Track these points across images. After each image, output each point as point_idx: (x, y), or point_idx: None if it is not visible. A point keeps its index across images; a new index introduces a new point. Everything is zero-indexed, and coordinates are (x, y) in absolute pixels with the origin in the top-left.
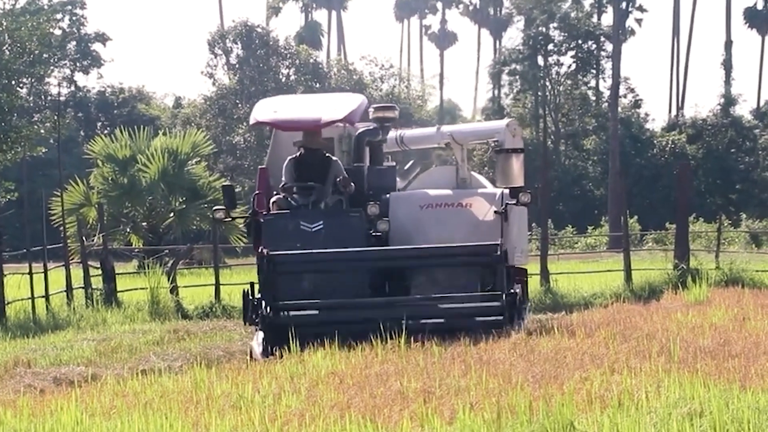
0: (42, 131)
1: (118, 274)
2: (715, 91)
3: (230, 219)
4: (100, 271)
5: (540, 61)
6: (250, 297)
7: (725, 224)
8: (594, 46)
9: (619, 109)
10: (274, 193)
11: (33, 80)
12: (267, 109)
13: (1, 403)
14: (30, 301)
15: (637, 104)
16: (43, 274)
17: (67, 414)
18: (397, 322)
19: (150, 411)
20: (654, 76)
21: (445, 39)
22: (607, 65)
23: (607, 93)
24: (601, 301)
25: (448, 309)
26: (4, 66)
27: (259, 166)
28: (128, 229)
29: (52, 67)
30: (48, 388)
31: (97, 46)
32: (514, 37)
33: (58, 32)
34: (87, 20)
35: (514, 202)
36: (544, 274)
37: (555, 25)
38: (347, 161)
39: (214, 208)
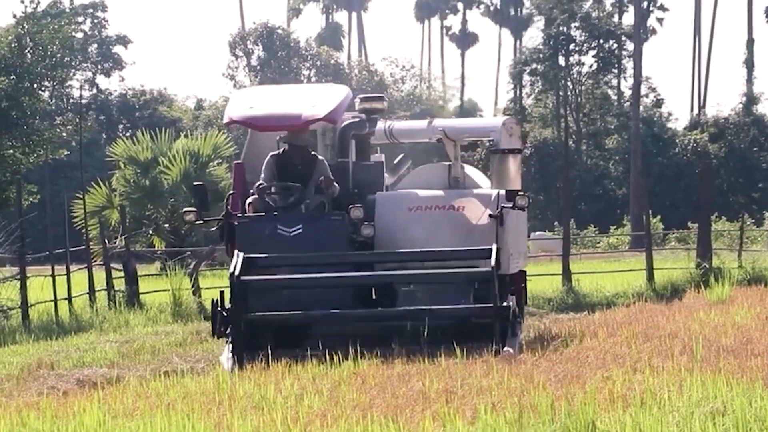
0: (64, 134)
1: (140, 276)
2: (737, 89)
3: (201, 222)
4: (122, 273)
5: (561, 60)
6: (219, 308)
7: (748, 223)
8: (615, 45)
9: (641, 108)
10: (251, 192)
11: (55, 83)
12: (241, 105)
13: (24, 405)
14: (53, 303)
15: (658, 103)
16: (65, 277)
17: (89, 415)
18: (375, 336)
19: (172, 412)
20: (676, 76)
21: (465, 39)
22: (629, 65)
23: (628, 92)
24: (624, 301)
25: (433, 322)
26: (26, 69)
27: (235, 162)
28: (150, 231)
29: (73, 70)
30: (71, 389)
31: (118, 49)
32: (534, 36)
33: (79, 35)
34: (108, 23)
35: (510, 205)
36: (566, 273)
37: (576, 24)
38: (331, 156)
39: (183, 210)
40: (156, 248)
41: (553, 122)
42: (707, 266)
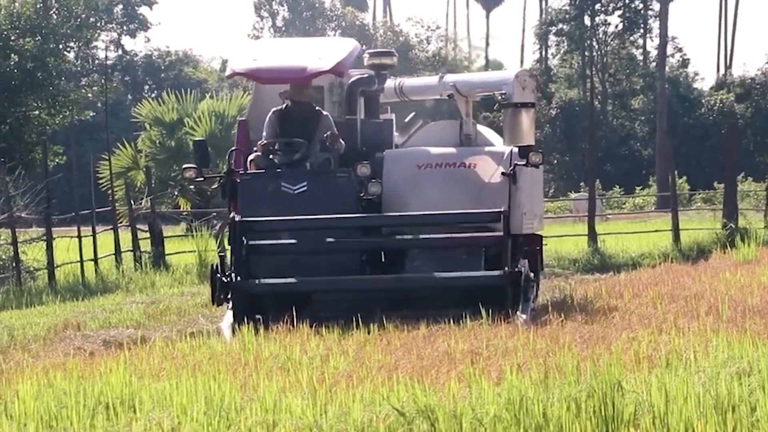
0: (90, 95)
1: (166, 237)
2: (763, 49)
3: (202, 179)
4: (148, 234)
5: (587, 20)
6: (218, 274)
7: None
8: (641, 5)
9: (667, 68)
10: (254, 149)
11: (80, 44)
12: (245, 57)
13: (50, 366)
14: (79, 264)
15: (684, 64)
16: (91, 238)
17: (116, 376)
18: (382, 302)
19: (198, 373)
20: (702, 36)
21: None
22: (655, 24)
23: (654, 52)
24: (649, 262)
25: (437, 289)
26: (51, 30)
27: (239, 118)
28: (176, 192)
29: (99, 31)
30: (97, 350)
31: (143, 10)
32: None
33: None
34: None
35: (523, 162)
36: (592, 234)
37: None
38: (338, 113)
39: (184, 166)
40: (181, 209)
41: (579, 83)
42: (733, 226)
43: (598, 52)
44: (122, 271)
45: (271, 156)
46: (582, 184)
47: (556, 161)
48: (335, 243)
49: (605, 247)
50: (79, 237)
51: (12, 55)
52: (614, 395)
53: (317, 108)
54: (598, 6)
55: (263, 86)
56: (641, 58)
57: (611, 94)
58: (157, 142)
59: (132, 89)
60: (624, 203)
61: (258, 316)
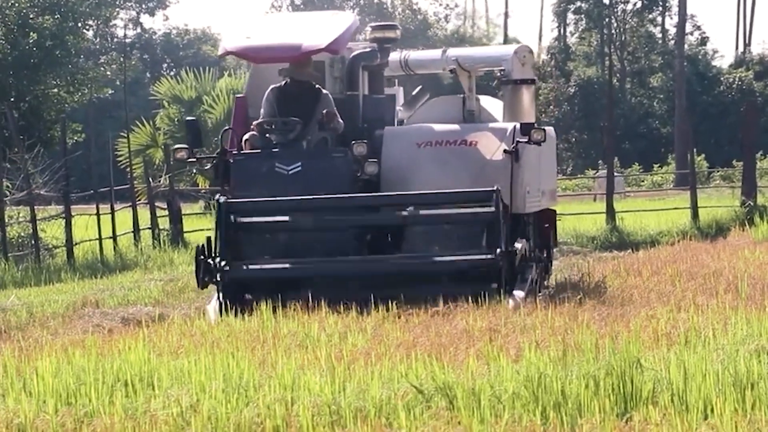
0: (108, 73)
1: (184, 214)
2: None
3: (194, 159)
4: (166, 212)
5: None
6: (203, 256)
7: None
8: None
9: (686, 46)
10: (251, 128)
11: (99, 22)
12: (238, 35)
13: (69, 343)
14: (98, 242)
15: (703, 41)
16: (110, 215)
17: (134, 353)
18: (378, 283)
19: (217, 350)
20: (721, 13)
21: None
22: (674, 2)
23: (673, 30)
24: (668, 239)
25: (430, 270)
26: (70, 9)
27: (236, 95)
28: (194, 170)
29: (117, 9)
30: (116, 327)
31: None
32: None
33: None
34: None
35: (525, 140)
36: (610, 212)
37: None
38: (340, 89)
39: (175, 147)
40: (200, 187)
41: (597, 60)
42: (752, 204)
43: (617, 30)
44: (141, 249)
45: (267, 135)
46: (600, 162)
47: (574, 139)
48: (324, 221)
49: (623, 224)
50: (98, 215)
51: (31, 33)
52: (633, 373)
53: (317, 86)
54: None
55: (269, 63)
56: (660, 36)
57: (630, 72)
58: (176, 120)
59: (150, 67)
60: (642, 181)
61: (248, 296)
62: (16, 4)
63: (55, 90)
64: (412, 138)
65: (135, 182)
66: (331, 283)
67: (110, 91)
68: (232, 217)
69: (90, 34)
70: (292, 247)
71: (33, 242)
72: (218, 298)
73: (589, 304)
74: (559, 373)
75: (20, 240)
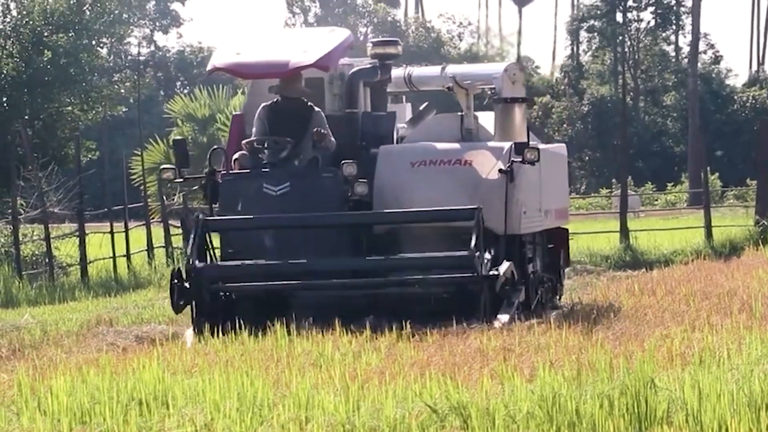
0: (122, 91)
1: None
2: None
3: (181, 179)
4: (180, 230)
5: (619, 17)
6: (176, 280)
7: None
8: (673, 1)
9: (699, 65)
10: (243, 147)
11: (113, 40)
12: (228, 51)
13: (84, 361)
14: (111, 260)
15: (717, 60)
16: (124, 233)
17: (148, 372)
18: (364, 305)
19: (231, 369)
20: (734, 32)
21: None
22: (687, 21)
23: (686, 49)
24: (682, 258)
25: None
26: (84, 26)
27: (234, 113)
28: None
29: (131, 27)
30: (130, 346)
31: (176, 6)
32: None
33: None
34: None
35: (519, 159)
36: (624, 231)
37: None
38: (339, 106)
39: (162, 167)
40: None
41: (611, 79)
42: (766, 223)
43: (630, 49)
44: (154, 267)
45: (260, 155)
46: (614, 180)
47: (587, 158)
48: (301, 241)
49: (637, 243)
50: (112, 233)
51: (45, 51)
52: (647, 392)
53: (309, 103)
54: (630, 2)
55: (260, 79)
56: (673, 54)
57: (643, 90)
58: (189, 138)
59: (164, 85)
60: (656, 200)
61: (229, 318)
62: (31, 22)
63: (69, 108)
64: (406, 157)
65: (149, 200)
66: (304, 303)
67: (124, 109)
68: (208, 235)
69: (104, 51)
70: (268, 267)
71: (47, 260)
72: (194, 320)
73: (603, 323)
74: (574, 392)
75: (34, 258)
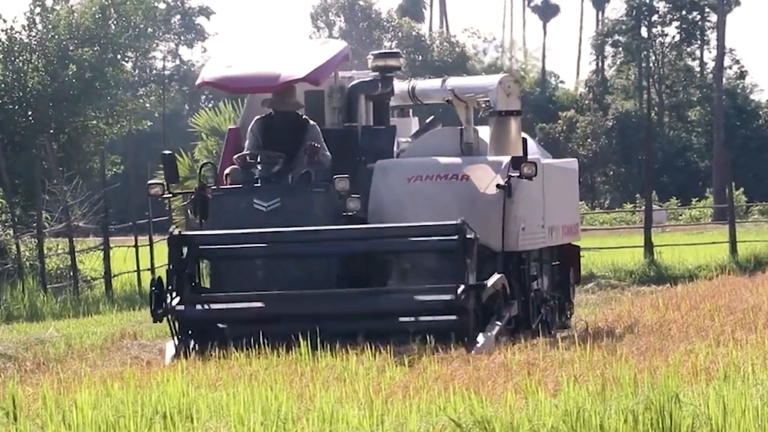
0: (147, 105)
1: None
2: None
3: (170, 195)
4: None
5: (644, 32)
6: (154, 288)
7: None
8: (698, 16)
9: (724, 80)
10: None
11: (138, 54)
12: (219, 65)
13: (108, 375)
14: (136, 273)
15: (742, 75)
16: (148, 247)
17: (173, 385)
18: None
19: (255, 382)
20: (760, 47)
21: (548, 10)
22: (712, 36)
23: (711, 64)
24: (706, 274)
25: (389, 307)
26: (109, 40)
27: (229, 127)
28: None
29: (156, 41)
30: (154, 359)
31: (201, 20)
32: (617, 8)
33: (162, 6)
34: None
35: (516, 174)
36: (648, 246)
37: None
38: (338, 120)
39: (149, 182)
40: None
41: (636, 94)
42: None
43: (655, 64)
44: None
45: (252, 169)
46: (638, 195)
47: (612, 172)
48: (276, 254)
49: (662, 258)
50: (136, 246)
51: (71, 65)
52: (672, 407)
53: (303, 117)
54: (655, 17)
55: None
56: (698, 69)
57: (668, 105)
58: (214, 151)
59: (189, 99)
60: (680, 215)
61: (210, 341)
62: (56, 36)
63: (95, 122)
64: (402, 172)
65: (173, 214)
66: (290, 320)
67: (149, 123)
68: (185, 250)
69: (129, 66)
70: (250, 282)
71: (72, 274)
72: (173, 337)
73: (628, 338)
74: (598, 407)
75: (59, 272)
